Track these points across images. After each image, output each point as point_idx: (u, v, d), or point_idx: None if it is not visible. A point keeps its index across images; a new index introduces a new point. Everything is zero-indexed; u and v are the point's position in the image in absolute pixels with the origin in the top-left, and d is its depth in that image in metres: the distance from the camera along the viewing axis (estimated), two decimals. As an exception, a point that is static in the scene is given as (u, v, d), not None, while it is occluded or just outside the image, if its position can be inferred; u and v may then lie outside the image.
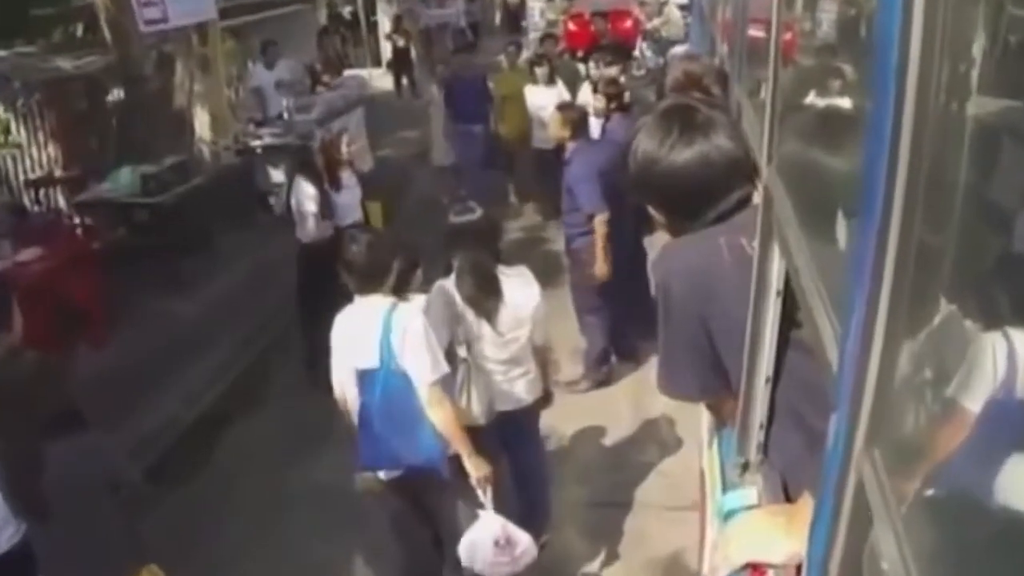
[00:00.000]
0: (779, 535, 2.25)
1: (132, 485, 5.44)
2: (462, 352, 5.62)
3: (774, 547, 2.22)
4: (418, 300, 5.36)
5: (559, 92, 12.91)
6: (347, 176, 9.60)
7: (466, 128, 13.78)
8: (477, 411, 5.58)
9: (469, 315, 5.53)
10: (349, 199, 9.52)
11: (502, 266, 5.67)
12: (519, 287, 5.64)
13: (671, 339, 2.80)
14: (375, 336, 4.99)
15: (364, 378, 5.10)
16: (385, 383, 5.02)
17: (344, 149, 9.64)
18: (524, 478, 6.17)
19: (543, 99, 12.57)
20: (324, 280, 8.71)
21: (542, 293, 5.81)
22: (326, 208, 9.00)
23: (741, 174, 2.74)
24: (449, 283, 5.55)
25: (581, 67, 15.21)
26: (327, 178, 9.30)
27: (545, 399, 6.10)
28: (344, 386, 5.26)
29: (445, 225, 5.78)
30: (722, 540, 2.52)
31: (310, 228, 8.96)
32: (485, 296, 5.52)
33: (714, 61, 6.32)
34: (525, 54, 16.24)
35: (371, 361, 5.02)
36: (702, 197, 2.74)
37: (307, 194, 8.96)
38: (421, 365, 4.97)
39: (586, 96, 11.55)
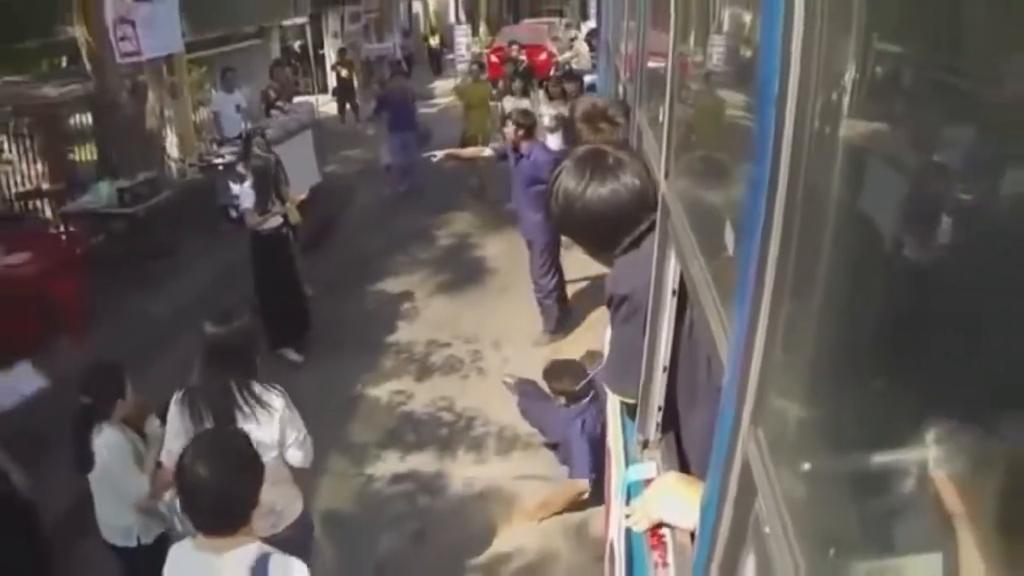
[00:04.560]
0: (695, 503, 2.24)
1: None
2: None
3: (689, 513, 2.20)
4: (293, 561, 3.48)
5: (531, 102, 14.09)
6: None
7: (400, 136, 15.17)
8: None
9: None
10: None
11: (257, 385, 4.43)
12: (261, 414, 4.34)
13: (629, 342, 2.80)
14: None
15: None
16: None
17: None
18: None
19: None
20: (275, 266, 8.89)
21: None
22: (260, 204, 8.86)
23: (648, 204, 2.74)
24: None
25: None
26: None
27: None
28: None
29: (201, 333, 4.67)
30: (642, 499, 2.51)
31: (248, 221, 8.88)
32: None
33: (617, 94, 6.36)
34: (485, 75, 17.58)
35: None
36: (616, 228, 2.78)
37: (239, 192, 9.04)
38: None
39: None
